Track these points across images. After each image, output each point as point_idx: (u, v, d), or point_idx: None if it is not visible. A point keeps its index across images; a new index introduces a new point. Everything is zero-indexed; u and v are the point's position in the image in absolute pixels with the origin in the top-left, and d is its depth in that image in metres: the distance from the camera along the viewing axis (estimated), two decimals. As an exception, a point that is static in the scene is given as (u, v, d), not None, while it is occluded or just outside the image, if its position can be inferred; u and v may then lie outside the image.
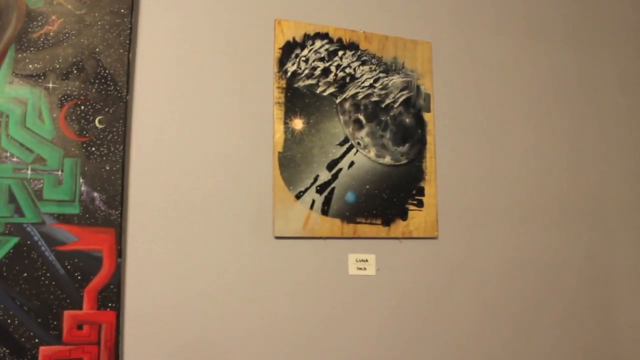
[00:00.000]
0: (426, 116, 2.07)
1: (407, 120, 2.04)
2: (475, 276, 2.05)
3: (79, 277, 1.57)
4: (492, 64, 2.22)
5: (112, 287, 1.60)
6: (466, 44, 2.20)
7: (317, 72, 1.94)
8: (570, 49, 2.38)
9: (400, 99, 2.04)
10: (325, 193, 1.88)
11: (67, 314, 1.55)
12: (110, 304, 1.59)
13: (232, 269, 1.76)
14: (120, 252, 1.62)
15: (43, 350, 1.52)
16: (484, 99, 2.18)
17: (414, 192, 2.00)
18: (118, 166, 1.65)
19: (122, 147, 1.66)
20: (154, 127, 1.73)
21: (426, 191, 2.02)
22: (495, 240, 2.11)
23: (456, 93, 2.15)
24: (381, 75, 2.03)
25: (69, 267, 1.57)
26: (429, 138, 2.06)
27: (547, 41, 2.34)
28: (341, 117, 1.95)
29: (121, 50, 1.69)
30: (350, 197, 1.90)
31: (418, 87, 2.08)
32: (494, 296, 2.07)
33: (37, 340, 1.52)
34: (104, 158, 1.64)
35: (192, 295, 1.71)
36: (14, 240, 1.54)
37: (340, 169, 1.91)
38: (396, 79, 2.05)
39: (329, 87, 1.95)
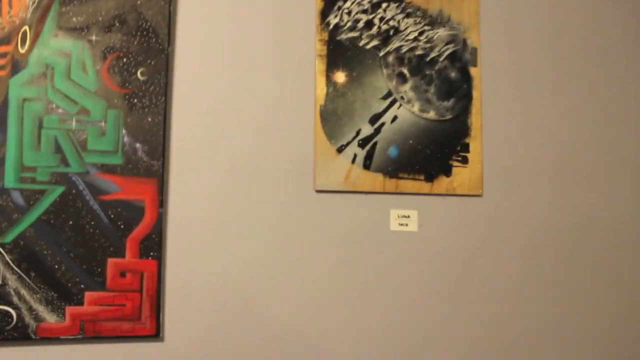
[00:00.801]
0: (472, 71, 2.00)
1: (453, 74, 1.98)
2: (520, 235, 2.00)
3: (122, 226, 1.60)
4: (544, 17, 2.12)
5: (153, 236, 1.62)
6: (516, -4, 2.11)
7: (360, 24, 1.90)
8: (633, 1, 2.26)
9: (446, 53, 1.99)
10: (368, 147, 1.85)
11: (111, 261, 1.59)
12: (152, 253, 1.61)
13: (272, 221, 1.76)
14: (162, 202, 1.64)
15: (88, 295, 1.56)
16: (534, 53, 2.09)
17: (459, 148, 1.95)
18: (160, 118, 1.66)
19: (163, 98, 1.67)
20: (196, 79, 1.73)
21: (471, 148, 1.96)
22: (542, 198, 2.04)
23: (504, 47, 2.06)
24: (426, 28, 1.97)
25: (112, 216, 1.59)
26: (475, 93, 1.99)
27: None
28: (384, 71, 1.91)
29: (162, 3, 1.69)
30: (392, 151, 1.87)
31: (464, 41, 2.01)
32: (539, 255, 2.01)
33: (83, 286, 1.56)
34: (146, 110, 1.65)
35: (232, 248, 1.72)
36: (60, 189, 1.57)
37: (383, 123, 1.88)
38: (442, 32, 1.99)
39: (372, 40, 1.91)
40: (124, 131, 1.62)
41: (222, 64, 1.75)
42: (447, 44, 1.98)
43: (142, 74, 1.65)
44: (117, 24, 1.65)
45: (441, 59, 1.97)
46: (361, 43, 1.89)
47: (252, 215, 1.73)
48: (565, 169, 2.07)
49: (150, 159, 1.63)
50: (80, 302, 1.55)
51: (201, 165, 1.70)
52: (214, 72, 1.74)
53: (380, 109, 1.88)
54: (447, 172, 1.92)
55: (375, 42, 1.90)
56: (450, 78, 1.97)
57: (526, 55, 2.08)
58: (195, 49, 1.73)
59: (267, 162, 1.76)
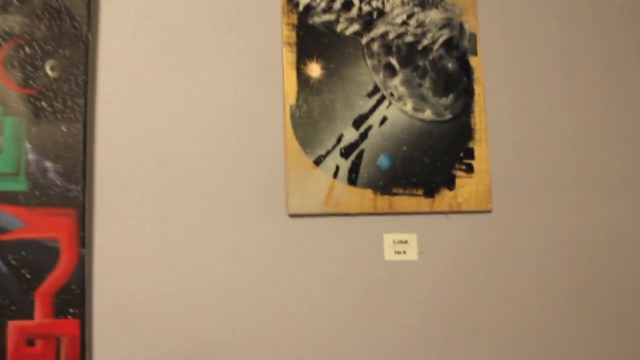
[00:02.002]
0: (473, 60, 1.67)
1: (450, 65, 1.64)
2: (538, 257, 1.67)
3: (28, 276, 1.22)
4: (550, -5, 1.80)
5: (73, 287, 1.23)
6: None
7: (337, 5, 1.55)
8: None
9: (441, 40, 1.64)
10: (352, 157, 1.50)
11: (13, 325, 1.19)
12: (71, 310, 1.21)
13: (233, 257, 1.39)
14: (83, 240, 1.24)
15: (-21, 376, 1.14)
16: (545, 39, 1.77)
17: (462, 154, 1.61)
18: (79, 126, 1.28)
19: (83, 100, 1.28)
20: (127, 75, 1.36)
21: (476, 153, 1.62)
22: (562, 212, 1.71)
23: (507, 32, 1.75)
24: (416, 9, 1.63)
25: (14, 262, 1.21)
26: (477, 88, 1.65)
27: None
28: (369, 62, 1.55)
29: (79, -26, 1.29)
30: (383, 161, 1.52)
31: (461, 25, 1.67)
32: (561, 281, 1.68)
33: (-29, 363, 1.14)
34: (59, 116, 1.26)
35: (181, 294, 1.35)
36: (-61, 229, 1.15)
37: (370, 127, 1.53)
38: (434, 15, 1.64)
39: (352, 24, 1.56)
40: (27, 146, 1.22)
41: (162, 55, 1.39)
42: (441, 28, 1.64)
43: (52, 68, 1.27)
44: (16, 2, 1.24)
45: (435, 46, 1.63)
46: (339, 28, 1.54)
47: (206, 251, 1.35)
48: (589, 176, 1.75)
49: (66, 182, 1.23)
50: (-34, 388, 1.13)
51: (137, 188, 1.31)
52: (152, 65, 1.38)
53: (366, 109, 1.53)
54: (450, 184, 1.58)
55: (356, 27, 1.56)
56: (447, 69, 1.63)
57: (534, 41, 1.76)
58: (125, 36, 1.37)
59: (224, 182, 1.39)
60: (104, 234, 1.28)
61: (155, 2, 1.39)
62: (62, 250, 1.21)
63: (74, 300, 1.21)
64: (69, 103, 1.25)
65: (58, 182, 1.22)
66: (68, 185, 1.23)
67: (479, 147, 1.63)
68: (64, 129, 1.24)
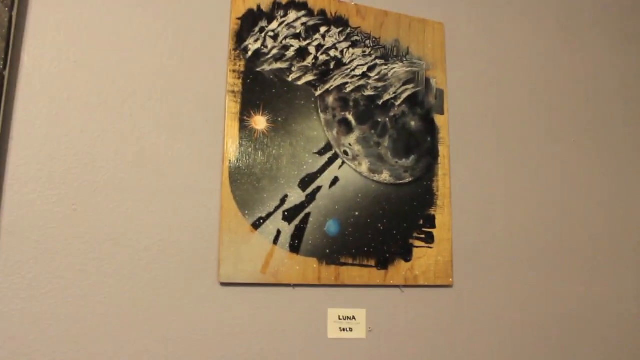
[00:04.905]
0: (438, 119, 1.55)
1: (413, 123, 1.52)
2: (501, 337, 1.52)
3: None
4: (522, 53, 1.71)
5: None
6: (488, 27, 1.70)
7: (290, 52, 1.42)
8: (620, 36, 1.85)
9: (404, 95, 1.52)
10: (297, 221, 1.35)
11: None
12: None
13: (155, 330, 1.20)
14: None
15: None
16: (513, 99, 1.66)
17: (422, 222, 1.48)
18: None
19: None
20: (47, 121, 1.19)
21: (438, 221, 1.49)
22: (529, 289, 1.58)
23: (479, 89, 1.65)
24: (378, 62, 1.52)
25: None
26: (441, 149, 1.53)
27: (588, 23, 1.80)
28: (322, 116, 1.42)
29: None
30: (331, 227, 1.37)
31: (427, 81, 1.55)
32: (529, 367, 1.52)
33: None
34: None
35: None
36: None
37: (319, 188, 1.38)
38: (398, 68, 1.53)
39: (306, 73, 1.43)
40: None
41: (89, 97, 1.22)
42: (405, 83, 1.53)
43: (-47, 108, 1.09)
44: None
45: (398, 102, 1.51)
46: (291, 77, 1.41)
47: (125, 322, 1.17)
48: (559, 249, 1.64)
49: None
50: None
51: (50, 248, 1.13)
52: (75, 108, 1.22)
53: (316, 168, 1.40)
54: (407, 255, 1.44)
55: (310, 77, 1.43)
56: (410, 128, 1.51)
57: (505, 100, 1.66)
58: (48, 75, 1.20)
59: (146, 243, 1.22)
60: (4, 304, 1.11)
61: (87, 41, 1.24)
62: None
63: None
64: (-31, 148, 1.10)
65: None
66: (-42, 242, 1.07)
67: (441, 215, 1.50)
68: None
